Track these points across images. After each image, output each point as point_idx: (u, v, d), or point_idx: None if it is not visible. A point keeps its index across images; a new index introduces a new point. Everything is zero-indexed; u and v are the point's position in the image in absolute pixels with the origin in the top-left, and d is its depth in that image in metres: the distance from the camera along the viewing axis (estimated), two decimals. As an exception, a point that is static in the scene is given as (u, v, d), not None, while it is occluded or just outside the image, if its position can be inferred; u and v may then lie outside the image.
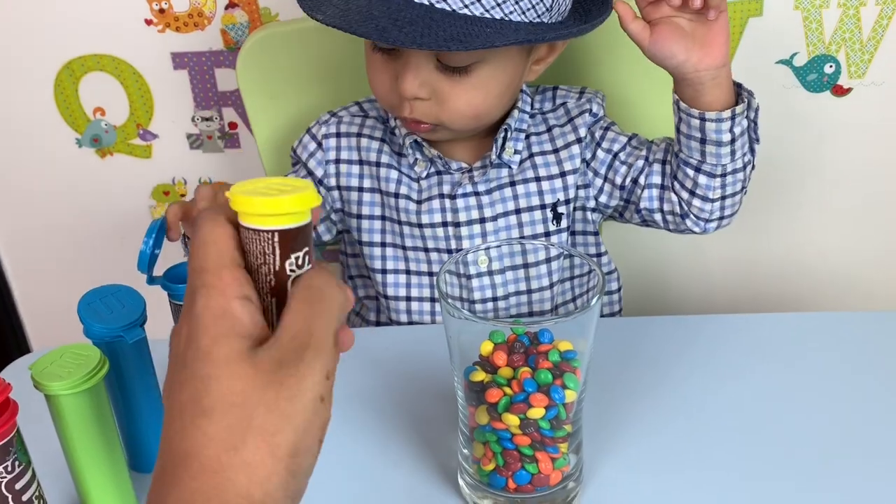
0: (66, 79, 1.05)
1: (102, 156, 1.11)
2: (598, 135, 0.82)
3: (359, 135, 0.83)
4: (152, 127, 1.09)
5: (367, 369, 0.72)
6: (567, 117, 0.82)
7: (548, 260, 0.79)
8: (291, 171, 0.86)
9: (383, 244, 0.83)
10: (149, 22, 1.01)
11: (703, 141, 0.74)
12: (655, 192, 0.80)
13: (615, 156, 0.82)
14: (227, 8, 1.00)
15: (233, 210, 0.38)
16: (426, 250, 0.83)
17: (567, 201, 0.82)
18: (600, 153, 0.82)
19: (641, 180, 0.81)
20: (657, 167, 0.80)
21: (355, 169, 0.83)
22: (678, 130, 0.77)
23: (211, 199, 0.66)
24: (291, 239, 0.37)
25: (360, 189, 0.83)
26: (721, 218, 0.80)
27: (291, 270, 0.38)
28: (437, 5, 0.65)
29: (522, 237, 0.81)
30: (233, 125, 1.08)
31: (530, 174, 0.81)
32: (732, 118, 0.73)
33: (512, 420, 0.53)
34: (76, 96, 1.07)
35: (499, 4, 0.66)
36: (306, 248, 0.38)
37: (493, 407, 0.54)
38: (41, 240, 1.18)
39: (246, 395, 0.33)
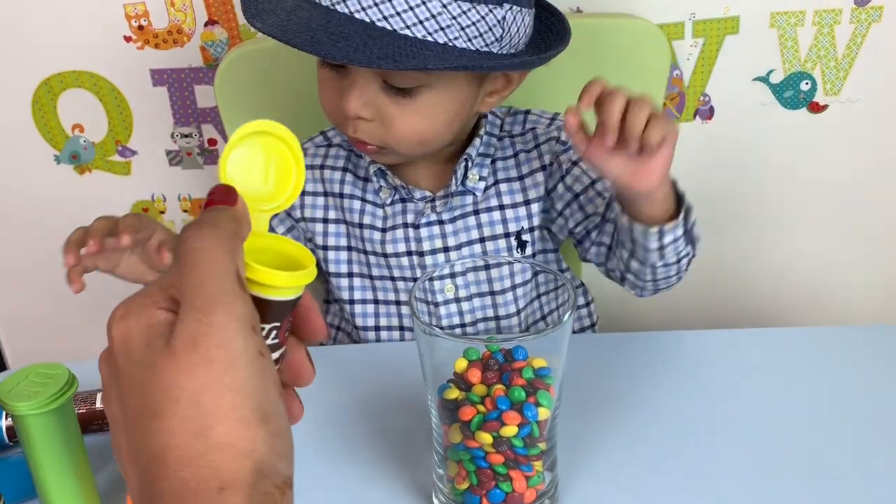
0: (44, 95, 1.05)
1: (81, 172, 1.11)
2: (564, 167, 0.79)
3: (322, 167, 0.82)
4: (131, 143, 1.08)
5: (342, 386, 0.71)
6: (534, 143, 0.80)
7: (513, 287, 0.79)
8: None
9: (350, 274, 0.83)
10: (128, 39, 1.01)
11: (632, 241, 0.71)
12: (603, 250, 0.78)
13: (576, 197, 0.78)
14: (206, 25, 1.00)
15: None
16: (392, 279, 0.82)
17: (531, 229, 0.80)
18: (561, 188, 0.79)
19: (593, 235, 0.78)
20: (609, 228, 0.76)
21: (320, 200, 0.82)
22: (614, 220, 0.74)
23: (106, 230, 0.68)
24: (277, 312, 0.34)
25: (325, 220, 0.82)
26: (656, 290, 0.77)
27: (271, 341, 0.34)
28: (378, 24, 0.64)
29: (487, 263, 0.79)
30: (212, 141, 1.08)
31: (494, 202, 0.79)
32: (660, 233, 0.68)
33: (485, 438, 0.53)
34: (55, 113, 1.06)
35: (442, 29, 0.64)
36: (276, 324, 0.34)
37: (467, 425, 0.53)
38: (18, 255, 1.17)
39: (181, 387, 0.30)
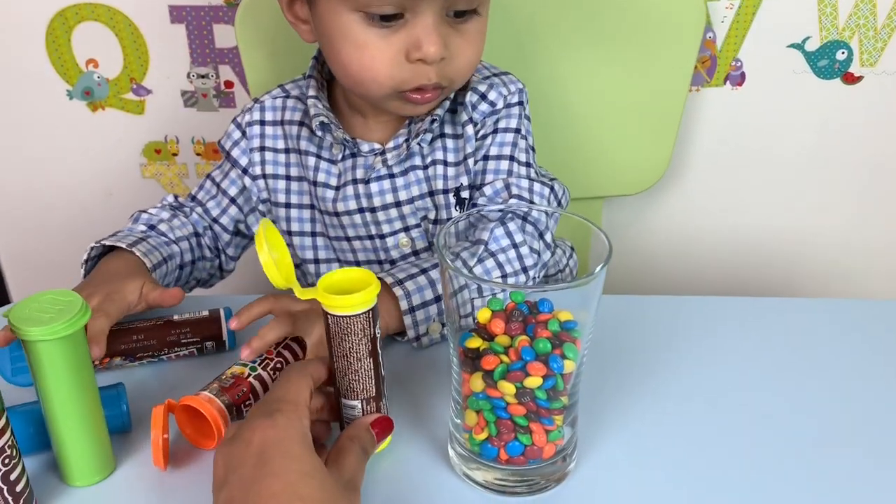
0: (58, 27, 1.02)
1: (94, 109, 1.08)
2: (485, 129, 0.77)
3: (281, 122, 0.79)
4: (146, 82, 1.06)
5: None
6: (471, 98, 0.77)
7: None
8: (218, 166, 0.82)
9: (313, 233, 0.81)
10: (147, -28, 0.98)
11: None
12: None
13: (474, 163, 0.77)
14: (228, -39, 0.97)
15: (317, 371, 0.53)
16: (348, 238, 0.80)
17: (471, 186, 0.77)
18: (477, 154, 0.77)
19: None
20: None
21: (281, 157, 0.79)
22: None
23: None
24: (374, 312, 0.53)
25: (288, 178, 0.80)
26: None
27: (377, 332, 0.53)
28: None
29: (437, 219, 0.78)
30: (229, 84, 1.05)
31: (440, 156, 0.76)
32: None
33: (508, 388, 0.51)
34: (69, 46, 1.03)
35: None
36: (378, 316, 0.54)
37: (489, 374, 0.52)
38: (25, 192, 1.16)
39: (329, 495, 0.45)
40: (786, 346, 0.69)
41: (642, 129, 0.94)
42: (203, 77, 1.05)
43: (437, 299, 0.68)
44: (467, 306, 0.53)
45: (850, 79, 1.03)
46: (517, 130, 0.77)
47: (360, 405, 0.54)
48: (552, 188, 0.77)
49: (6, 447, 0.50)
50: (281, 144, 0.79)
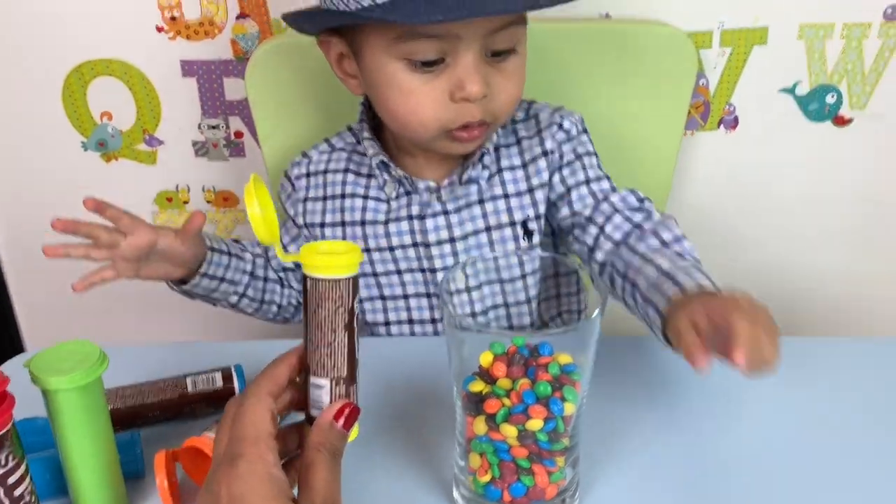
0: (75, 82, 1.06)
1: (107, 160, 1.12)
2: (565, 158, 0.80)
3: (325, 171, 0.84)
4: (158, 133, 1.09)
5: (366, 378, 0.72)
6: (536, 128, 0.81)
7: (523, 276, 0.79)
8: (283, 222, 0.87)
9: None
10: (160, 29, 1.02)
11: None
12: (585, 249, 0.77)
13: (567, 191, 0.79)
14: (237, 18, 1.01)
15: (276, 383, 0.49)
16: (399, 272, 0.83)
17: (538, 217, 0.80)
18: (556, 178, 0.80)
19: (576, 233, 0.78)
20: (593, 230, 0.76)
21: (318, 206, 0.83)
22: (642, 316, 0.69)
23: None
24: (356, 283, 0.50)
25: (322, 224, 0.83)
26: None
27: (357, 304, 0.50)
28: None
29: (496, 258, 0.79)
30: (238, 134, 1.09)
31: (499, 191, 0.80)
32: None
33: (510, 431, 0.53)
34: (84, 100, 1.07)
35: None
36: (359, 294, 0.52)
37: (492, 417, 0.54)
38: (40, 240, 1.18)
39: None
40: (787, 385, 0.70)
41: (638, 172, 0.97)
42: (213, 128, 1.08)
43: None
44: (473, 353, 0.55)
45: (841, 121, 1.05)
46: (596, 154, 0.82)
47: (328, 385, 0.51)
48: (633, 190, 0.80)
49: (25, 493, 0.52)
50: (320, 193, 0.83)
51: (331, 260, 0.49)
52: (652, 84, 0.97)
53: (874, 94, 1.03)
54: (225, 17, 1.01)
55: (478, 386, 0.55)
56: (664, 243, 0.73)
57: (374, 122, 0.81)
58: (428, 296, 0.83)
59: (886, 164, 1.08)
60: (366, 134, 0.80)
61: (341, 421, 0.50)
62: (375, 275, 0.83)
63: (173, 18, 1.01)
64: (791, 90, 1.04)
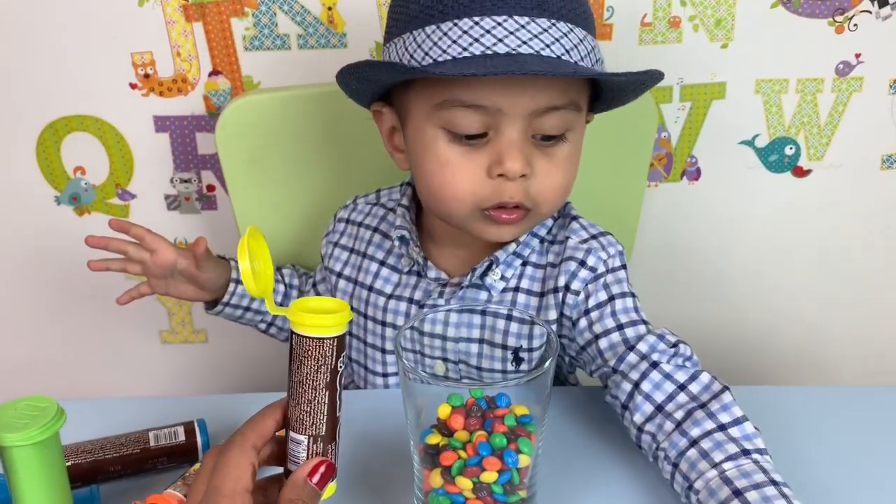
0: (48, 137, 1.07)
1: (80, 214, 1.12)
2: (590, 301, 0.72)
3: (360, 224, 0.84)
4: (131, 187, 1.10)
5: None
6: (560, 258, 0.75)
7: (504, 371, 0.74)
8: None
9: (348, 332, 0.83)
10: (133, 86, 1.04)
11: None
12: (618, 403, 0.68)
13: (595, 339, 0.71)
14: (210, 75, 1.03)
15: (261, 435, 0.50)
16: (383, 351, 0.81)
17: (530, 350, 0.72)
18: (583, 323, 0.72)
19: (606, 382, 0.70)
20: (627, 386, 0.66)
21: (344, 255, 0.84)
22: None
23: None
24: (342, 342, 0.51)
25: (340, 275, 0.84)
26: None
27: (340, 366, 0.51)
28: (564, 57, 0.65)
29: (480, 367, 0.74)
30: (211, 187, 1.10)
31: (503, 310, 0.72)
32: None
33: (465, 483, 0.53)
34: (58, 155, 1.08)
35: (598, 60, 0.69)
36: (345, 353, 0.53)
37: (447, 470, 0.54)
38: (11, 293, 1.18)
39: None
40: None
41: (603, 223, 0.98)
42: (186, 182, 1.10)
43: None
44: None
45: (800, 172, 1.08)
46: (633, 294, 0.73)
47: (306, 441, 0.51)
48: (675, 344, 0.69)
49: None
50: (350, 243, 0.84)
51: (316, 319, 0.49)
52: (615, 138, 0.99)
53: (830, 145, 1.07)
54: (198, 74, 1.03)
55: (435, 438, 0.55)
56: (722, 428, 0.61)
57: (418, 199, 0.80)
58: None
59: (844, 214, 1.11)
60: (404, 201, 0.80)
61: (316, 478, 0.50)
62: (365, 343, 0.82)
63: (147, 76, 1.03)
64: (751, 142, 1.07)
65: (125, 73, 1.03)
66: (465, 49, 0.64)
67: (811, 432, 0.71)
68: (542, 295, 0.76)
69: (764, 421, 0.72)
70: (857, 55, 1.01)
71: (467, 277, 0.76)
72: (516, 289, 0.76)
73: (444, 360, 0.72)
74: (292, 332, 0.51)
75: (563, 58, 0.65)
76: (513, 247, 0.76)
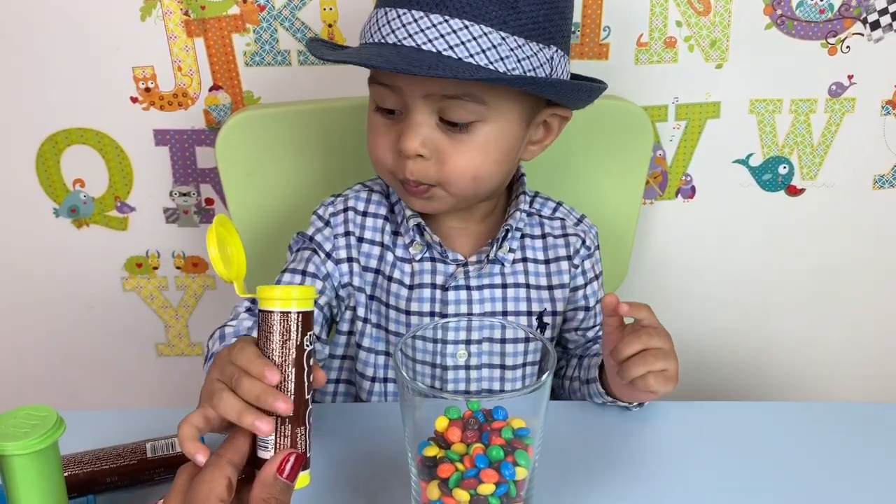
0: (48, 150, 1.08)
1: (79, 226, 1.13)
2: (587, 275, 0.85)
3: (364, 213, 0.84)
4: (130, 200, 1.11)
5: (321, 445, 0.72)
6: (562, 231, 0.85)
7: (524, 364, 0.79)
8: (291, 261, 0.84)
9: (366, 320, 0.83)
10: (134, 100, 1.05)
11: (585, 392, 0.80)
12: (574, 361, 0.86)
13: (584, 310, 0.86)
14: (210, 90, 1.04)
15: (237, 452, 0.50)
16: (412, 337, 0.82)
17: (554, 313, 0.84)
18: (580, 295, 0.86)
19: (570, 346, 0.88)
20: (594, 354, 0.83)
21: (352, 240, 0.83)
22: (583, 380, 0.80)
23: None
24: (307, 319, 0.51)
25: (350, 259, 0.83)
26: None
27: (308, 344, 0.51)
28: (445, 52, 0.67)
29: (504, 338, 0.78)
30: (209, 201, 1.11)
31: (521, 279, 0.82)
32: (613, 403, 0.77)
33: (462, 496, 0.54)
34: (57, 168, 1.09)
35: (502, 59, 0.68)
36: (312, 332, 0.51)
37: (445, 482, 0.54)
38: (9, 305, 1.18)
39: None
40: (743, 450, 0.71)
41: (600, 240, 0.99)
42: (185, 195, 1.10)
43: None
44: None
45: (794, 191, 1.10)
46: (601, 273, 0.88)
47: (273, 423, 0.50)
48: None
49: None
50: (358, 232, 0.83)
51: (281, 291, 0.50)
52: (611, 156, 1.00)
53: (823, 165, 1.08)
54: (199, 89, 1.04)
55: (432, 451, 0.56)
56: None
57: None
58: (433, 366, 0.82)
59: (837, 232, 1.12)
60: None
61: (286, 472, 0.49)
62: (387, 331, 0.83)
63: (147, 90, 1.04)
64: (745, 161, 1.08)
65: (126, 86, 1.04)
66: (371, 35, 0.72)
67: (803, 447, 0.72)
68: (547, 262, 0.84)
69: (757, 436, 0.73)
70: (850, 76, 1.03)
71: (489, 251, 0.81)
72: (524, 259, 0.83)
73: (468, 342, 0.76)
74: (259, 311, 0.51)
75: (446, 53, 0.68)
76: (514, 223, 0.81)
